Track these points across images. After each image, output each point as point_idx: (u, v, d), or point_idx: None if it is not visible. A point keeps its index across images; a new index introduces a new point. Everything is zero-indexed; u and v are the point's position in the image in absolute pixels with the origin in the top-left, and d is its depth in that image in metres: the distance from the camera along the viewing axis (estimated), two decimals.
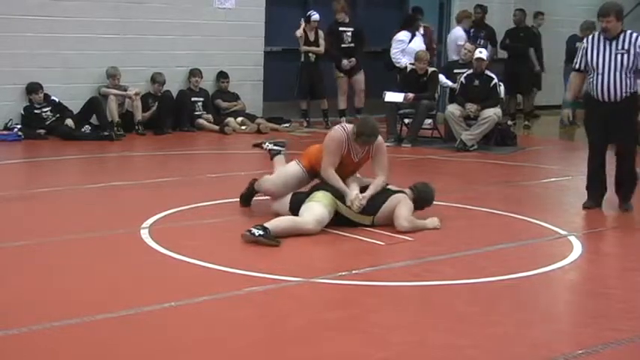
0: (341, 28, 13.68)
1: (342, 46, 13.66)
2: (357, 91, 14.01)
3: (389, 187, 7.26)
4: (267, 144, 7.98)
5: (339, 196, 7.00)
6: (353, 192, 7.01)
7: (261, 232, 6.40)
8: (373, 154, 7.21)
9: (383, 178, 7.19)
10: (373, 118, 7.44)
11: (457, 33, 14.61)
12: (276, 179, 7.41)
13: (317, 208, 6.86)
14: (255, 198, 7.66)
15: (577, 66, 8.07)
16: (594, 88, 7.88)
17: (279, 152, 7.85)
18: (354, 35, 13.71)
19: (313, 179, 7.37)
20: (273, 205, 7.33)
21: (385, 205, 7.06)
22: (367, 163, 7.34)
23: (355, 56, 13.68)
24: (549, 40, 15.65)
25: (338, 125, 7.38)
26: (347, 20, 13.74)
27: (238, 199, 7.70)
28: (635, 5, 17.63)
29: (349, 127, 7.19)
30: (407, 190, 7.26)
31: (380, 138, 7.23)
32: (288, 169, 7.43)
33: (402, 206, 7.03)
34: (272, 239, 6.40)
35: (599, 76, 7.81)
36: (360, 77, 13.93)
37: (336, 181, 7.06)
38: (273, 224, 6.57)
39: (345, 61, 13.63)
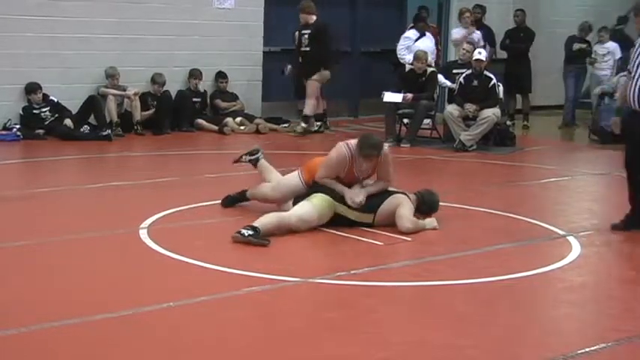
0: (302, 31, 13.01)
1: (302, 49, 12.98)
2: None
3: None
4: (244, 157, 7.87)
5: (339, 197, 7.01)
6: (351, 190, 7.02)
7: (250, 232, 6.41)
8: (378, 165, 7.16)
9: (385, 183, 7.20)
10: (374, 134, 7.41)
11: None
12: (276, 186, 7.43)
13: (304, 206, 6.89)
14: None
15: (628, 67, 7.17)
16: (628, 94, 7.02)
17: (258, 159, 7.80)
18: (310, 37, 12.85)
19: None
20: (279, 209, 7.33)
21: (386, 202, 7.04)
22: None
23: (311, 59, 12.79)
24: (548, 41, 15.65)
25: (343, 143, 7.21)
26: (309, 22, 12.91)
27: (221, 199, 7.66)
28: None
29: (353, 143, 7.08)
30: (412, 196, 7.25)
31: (386, 150, 7.20)
32: (288, 180, 7.40)
33: (403, 207, 7.02)
34: (261, 239, 6.40)
35: (633, 81, 6.94)
36: (309, 82, 12.95)
37: (333, 183, 7.07)
38: (261, 222, 6.58)
39: (288, 67, 12.98)
